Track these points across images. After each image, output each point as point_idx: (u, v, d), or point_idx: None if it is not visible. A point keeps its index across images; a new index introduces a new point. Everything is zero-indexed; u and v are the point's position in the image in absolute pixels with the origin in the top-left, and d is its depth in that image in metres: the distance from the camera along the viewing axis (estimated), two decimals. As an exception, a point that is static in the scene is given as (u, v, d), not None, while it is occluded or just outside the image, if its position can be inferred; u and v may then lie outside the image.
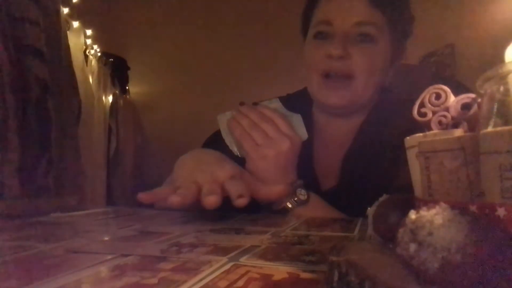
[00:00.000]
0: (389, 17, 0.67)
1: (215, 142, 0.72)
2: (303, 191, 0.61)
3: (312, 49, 0.70)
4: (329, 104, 0.70)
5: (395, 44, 0.70)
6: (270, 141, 0.61)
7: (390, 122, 0.66)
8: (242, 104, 0.67)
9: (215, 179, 0.52)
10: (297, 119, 0.67)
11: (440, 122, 0.23)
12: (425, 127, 0.24)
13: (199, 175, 0.52)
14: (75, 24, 2.12)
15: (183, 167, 0.56)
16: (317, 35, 0.69)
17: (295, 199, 0.60)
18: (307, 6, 0.75)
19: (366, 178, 0.66)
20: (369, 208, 0.29)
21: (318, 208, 0.61)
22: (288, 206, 0.60)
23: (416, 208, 0.19)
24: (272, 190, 0.58)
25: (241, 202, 0.48)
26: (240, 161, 0.62)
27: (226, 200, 0.49)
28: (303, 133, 0.66)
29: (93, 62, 2.45)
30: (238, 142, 0.65)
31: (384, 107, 0.73)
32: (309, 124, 0.76)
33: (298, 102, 0.78)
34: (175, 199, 0.47)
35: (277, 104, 0.69)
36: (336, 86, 0.67)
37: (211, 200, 0.47)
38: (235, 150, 0.66)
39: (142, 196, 0.50)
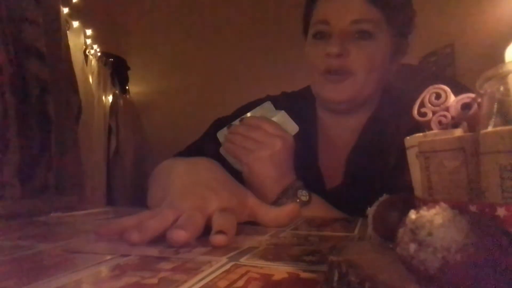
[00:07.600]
0: (387, 13, 0.67)
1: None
2: (304, 192, 0.61)
3: (311, 49, 0.71)
4: (330, 100, 0.70)
5: (394, 39, 0.70)
6: (261, 145, 0.62)
7: (394, 121, 0.66)
8: (229, 127, 0.67)
9: (204, 208, 0.41)
10: (283, 116, 0.67)
11: (440, 122, 0.23)
12: (425, 127, 0.24)
13: (190, 199, 0.42)
14: (75, 24, 2.12)
15: (175, 183, 0.45)
16: (316, 34, 0.70)
17: (297, 200, 0.60)
18: (306, 7, 0.76)
19: (371, 177, 0.66)
20: (369, 208, 0.29)
21: (319, 209, 0.61)
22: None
23: (416, 208, 0.19)
24: (282, 211, 0.48)
25: (218, 239, 0.35)
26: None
27: None
28: (294, 127, 0.66)
29: (93, 62, 2.45)
30: (237, 159, 0.65)
31: (388, 105, 0.73)
32: (314, 122, 0.77)
33: (303, 100, 0.79)
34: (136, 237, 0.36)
35: (267, 107, 0.69)
36: (336, 81, 0.68)
37: (179, 235, 0.35)
38: (238, 167, 0.66)
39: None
